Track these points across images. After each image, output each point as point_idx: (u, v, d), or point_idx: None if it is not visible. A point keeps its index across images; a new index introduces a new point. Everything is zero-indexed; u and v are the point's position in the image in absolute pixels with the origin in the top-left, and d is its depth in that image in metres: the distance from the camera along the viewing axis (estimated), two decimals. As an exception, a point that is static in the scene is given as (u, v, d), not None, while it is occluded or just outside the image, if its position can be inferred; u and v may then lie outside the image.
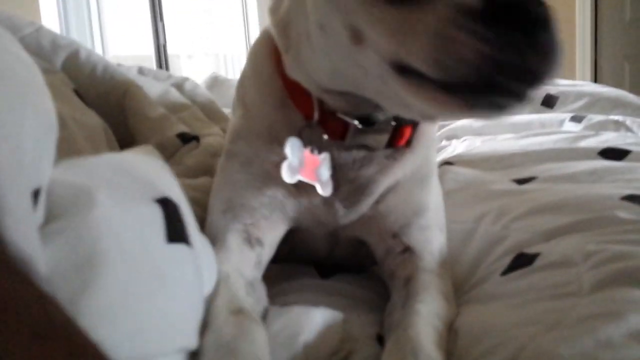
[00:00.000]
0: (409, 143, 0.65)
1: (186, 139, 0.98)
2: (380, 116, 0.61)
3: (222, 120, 1.24)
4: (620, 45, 3.35)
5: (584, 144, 0.98)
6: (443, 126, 1.48)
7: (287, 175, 0.61)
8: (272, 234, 0.66)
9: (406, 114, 0.57)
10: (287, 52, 0.62)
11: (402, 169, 0.67)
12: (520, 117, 1.36)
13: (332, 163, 0.63)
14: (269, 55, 0.66)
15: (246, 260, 0.62)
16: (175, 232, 0.43)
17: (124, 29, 4.02)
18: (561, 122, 1.26)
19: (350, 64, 0.53)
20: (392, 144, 0.63)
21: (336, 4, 0.51)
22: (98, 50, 2.85)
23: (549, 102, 1.40)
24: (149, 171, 0.47)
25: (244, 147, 0.66)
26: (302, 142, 0.62)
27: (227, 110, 1.62)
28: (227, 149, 0.70)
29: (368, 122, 0.61)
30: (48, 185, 0.39)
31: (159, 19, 3.04)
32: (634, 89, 3.26)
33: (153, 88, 1.12)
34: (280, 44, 0.62)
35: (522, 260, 0.61)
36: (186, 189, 0.79)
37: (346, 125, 0.61)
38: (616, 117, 1.20)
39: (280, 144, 0.62)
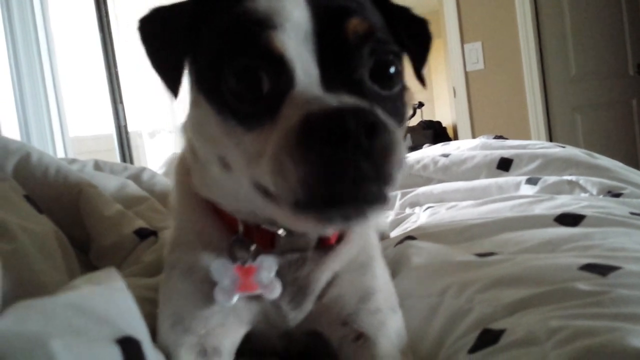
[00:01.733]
0: (340, 239, 0.66)
1: (144, 234, 0.96)
2: None
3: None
4: (569, 99, 3.49)
5: (540, 209, 1.00)
6: (405, 194, 1.51)
7: (223, 299, 0.60)
8: (230, 339, 0.64)
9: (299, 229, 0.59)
10: (194, 173, 0.64)
11: (339, 261, 0.67)
12: (480, 182, 1.39)
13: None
14: (188, 171, 0.67)
15: None
16: None
17: (83, 110, 4.02)
18: (517, 185, 1.29)
19: (235, 188, 0.56)
20: (322, 243, 0.64)
21: (207, 137, 0.55)
22: (57, 132, 2.82)
23: (504, 166, 1.44)
24: (109, 307, 0.46)
25: (182, 257, 0.66)
26: (229, 260, 0.62)
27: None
28: (167, 261, 0.69)
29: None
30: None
31: (118, 101, 3.05)
32: (587, 139, 3.39)
33: (109, 183, 1.11)
34: (191, 164, 0.64)
35: (487, 338, 0.61)
36: (144, 288, 0.78)
37: (273, 234, 0.62)
38: (570, 177, 1.23)
39: (214, 250, 0.62)
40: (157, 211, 1.10)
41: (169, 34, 0.57)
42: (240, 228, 0.62)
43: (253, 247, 0.62)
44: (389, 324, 0.67)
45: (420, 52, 0.63)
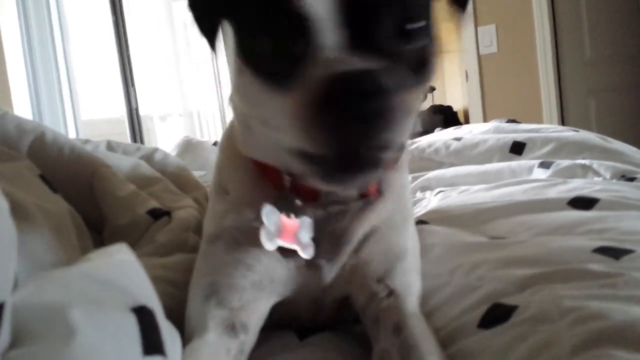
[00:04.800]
0: (379, 193, 0.69)
1: (157, 214, 0.96)
2: None
3: (195, 189, 1.24)
4: (583, 82, 3.45)
5: (553, 193, 0.99)
6: (416, 177, 1.50)
7: (266, 242, 0.63)
8: (258, 315, 0.65)
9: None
10: (242, 137, 0.67)
11: (377, 215, 0.69)
12: (492, 166, 1.38)
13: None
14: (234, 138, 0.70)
15: (225, 352, 0.61)
16: (151, 344, 0.43)
17: (95, 93, 4.04)
18: (530, 169, 1.28)
19: (279, 148, 0.57)
20: (362, 195, 0.67)
21: (251, 101, 0.59)
22: (69, 115, 2.84)
23: (517, 149, 1.43)
24: (123, 277, 0.47)
25: (228, 229, 0.67)
26: (277, 209, 0.64)
27: (200, 174, 1.62)
28: (209, 234, 0.70)
29: None
30: (17, 306, 0.39)
31: (130, 84, 3.06)
32: (600, 124, 3.36)
33: (122, 163, 1.12)
34: (238, 130, 0.68)
35: (498, 312, 0.61)
36: (158, 268, 0.79)
37: (316, 188, 0.64)
38: (583, 161, 1.22)
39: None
40: (170, 192, 1.11)
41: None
42: (287, 183, 0.65)
43: (298, 203, 0.65)
44: (416, 285, 0.71)
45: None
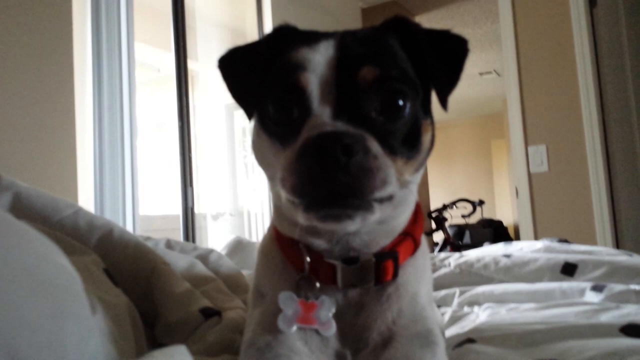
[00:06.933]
0: (394, 277, 0.73)
1: (208, 314, 0.99)
2: (362, 255, 0.71)
3: (245, 291, 1.27)
4: (638, 206, 3.39)
5: (605, 318, 0.97)
6: (464, 292, 1.49)
7: (283, 325, 0.68)
8: None
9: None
10: (275, 212, 0.76)
11: (395, 304, 0.72)
12: (542, 285, 1.36)
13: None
14: (272, 238, 0.80)
15: None
16: None
17: (154, 190, 4.22)
18: (582, 291, 1.26)
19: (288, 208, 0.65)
20: (379, 280, 0.71)
21: (264, 160, 0.70)
22: (129, 210, 2.98)
23: (569, 270, 1.41)
24: None
25: (263, 334, 0.71)
26: (296, 294, 0.70)
27: (248, 272, 1.65)
28: (245, 340, 0.74)
29: (352, 262, 0.70)
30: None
31: (188, 184, 3.20)
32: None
33: (180, 262, 1.17)
34: (275, 210, 0.77)
35: None
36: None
37: (333, 268, 0.70)
38: (637, 287, 1.20)
39: (286, 288, 0.72)
40: (222, 292, 1.14)
41: (242, 69, 0.74)
42: (307, 265, 0.71)
43: (317, 285, 0.71)
44: None
45: (448, 72, 0.71)
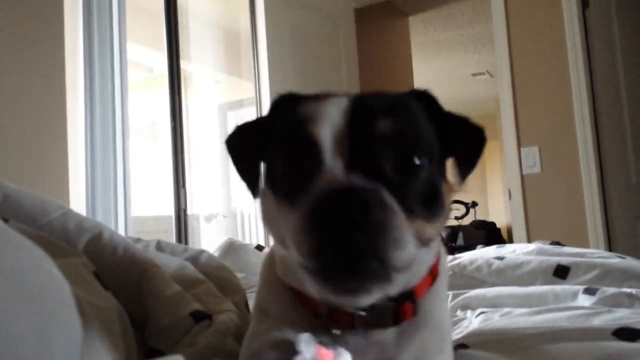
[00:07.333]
0: (414, 318, 0.69)
1: (199, 317, 0.98)
2: (379, 300, 0.64)
3: (236, 292, 1.26)
4: (630, 208, 3.41)
5: (597, 321, 0.97)
6: (457, 295, 1.49)
7: None
8: None
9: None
10: (279, 263, 0.72)
11: (415, 346, 0.69)
12: (535, 289, 1.36)
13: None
14: (277, 273, 0.74)
15: None
16: None
17: (146, 191, 4.21)
18: (575, 294, 1.26)
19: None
20: (397, 321, 0.67)
21: (272, 221, 0.66)
22: (121, 211, 2.96)
23: (562, 273, 1.41)
24: None
25: (266, 350, 0.69)
26: (314, 337, 0.65)
27: (240, 275, 1.64)
28: (247, 355, 0.72)
29: (371, 308, 0.65)
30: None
31: (181, 185, 3.19)
32: (649, 250, 3.27)
33: (170, 264, 1.16)
34: (277, 255, 0.72)
35: None
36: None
37: (352, 315, 0.65)
38: (629, 290, 1.20)
39: (298, 329, 0.66)
40: (213, 294, 1.13)
41: (248, 146, 0.71)
42: (323, 310, 0.67)
43: (336, 332, 0.66)
44: None
45: (467, 157, 0.70)
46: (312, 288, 0.58)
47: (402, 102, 0.67)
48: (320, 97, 0.65)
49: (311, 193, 0.56)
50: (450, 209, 0.68)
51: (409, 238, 0.56)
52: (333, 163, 0.58)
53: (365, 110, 0.61)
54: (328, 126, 0.59)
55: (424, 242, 0.61)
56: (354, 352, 0.65)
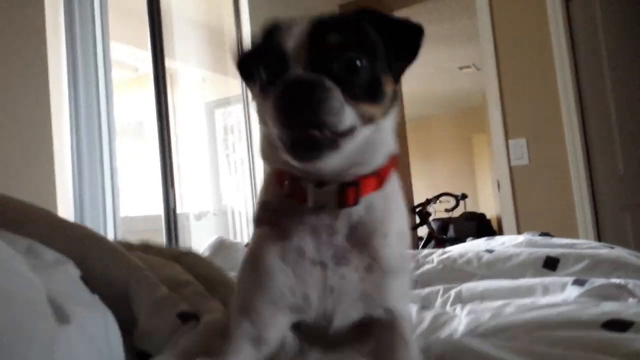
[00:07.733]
0: (355, 203, 0.83)
1: (186, 318, 0.98)
2: (331, 180, 0.81)
3: (223, 285, 1.26)
4: (618, 197, 3.43)
5: (586, 314, 0.97)
6: (448, 289, 1.48)
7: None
8: (277, 330, 0.84)
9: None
10: (266, 145, 0.86)
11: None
12: (525, 281, 1.36)
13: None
14: (272, 175, 0.91)
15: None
16: None
17: (135, 191, 4.18)
18: (564, 286, 1.26)
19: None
20: (342, 204, 0.82)
21: (262, 115, 0.81)
22: (109, 211, 2.94)
23: (551, 265, 1.41)
24: None
25: (263, 249, 0.86)
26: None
27: (232, 274, 1.63)
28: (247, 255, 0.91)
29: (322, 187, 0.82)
30: None
31: (169, 185, 3.17)
32: (638, 239, 3.29)
33: (157, 265, 1.15)
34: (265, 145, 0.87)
35: None
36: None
37: (305, 192, 0.82)
38: (618, 281, 1.20)
39: (285, 230, 0.84)
40: (200, 294, 1.12)
41: (248, 62, 0.89)
42: (286, 184, 0.84)
43: (310, 206, 0.83)
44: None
45: (403, 52, 0.84)
46: (287, 157, 0.74)
47: (349, 19, 0.84)
48: (292, 21, 0.82)
49: (279, 85, 0.73)
50: (395, 100, 0.83)
51: (348, 110, 0.73)
52: (295, 65, 0.76)
53: (320, 27, 0.79)
54: (292, 41, 0.77)
55: (368, 118, 0.77)
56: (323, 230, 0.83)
